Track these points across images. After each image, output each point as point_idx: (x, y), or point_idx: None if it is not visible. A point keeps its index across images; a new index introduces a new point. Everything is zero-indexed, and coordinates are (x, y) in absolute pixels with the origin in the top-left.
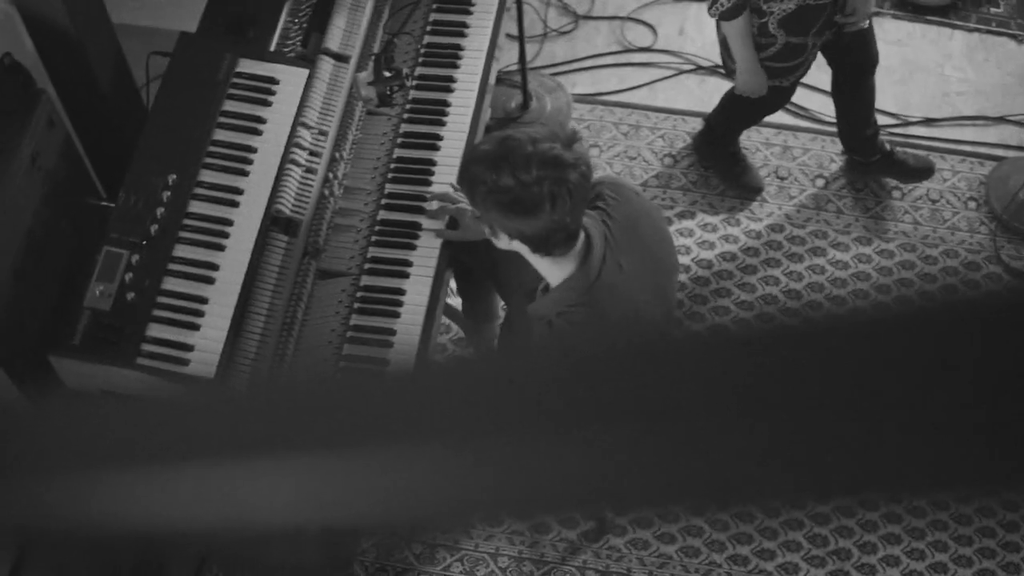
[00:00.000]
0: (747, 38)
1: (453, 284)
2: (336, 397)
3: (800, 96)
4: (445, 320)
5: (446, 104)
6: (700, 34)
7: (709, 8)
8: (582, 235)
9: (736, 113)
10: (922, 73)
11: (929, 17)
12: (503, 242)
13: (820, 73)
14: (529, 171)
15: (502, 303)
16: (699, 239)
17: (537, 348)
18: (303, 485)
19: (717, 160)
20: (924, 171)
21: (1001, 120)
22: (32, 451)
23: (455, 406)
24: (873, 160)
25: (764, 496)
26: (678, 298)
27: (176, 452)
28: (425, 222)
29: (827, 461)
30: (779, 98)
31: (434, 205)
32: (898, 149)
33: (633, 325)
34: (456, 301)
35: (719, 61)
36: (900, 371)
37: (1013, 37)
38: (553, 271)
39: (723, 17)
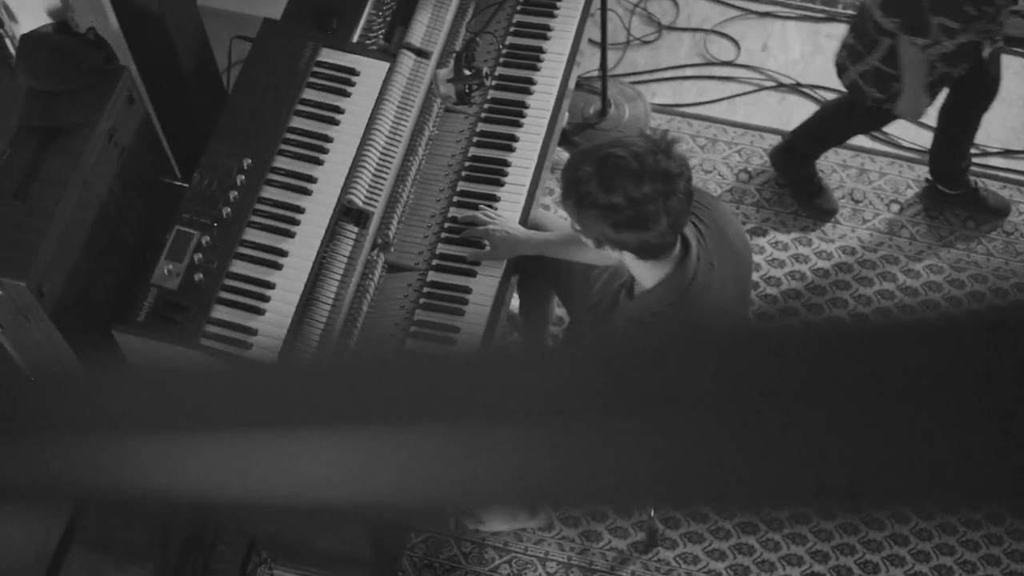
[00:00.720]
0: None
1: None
2: (399, 372)
3: None
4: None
5: (524, 106)
6: (783, 51)
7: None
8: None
9: (830, 130)
10: (1004, 104)
11: (1016, 49)
12: (610, 253)
13: None
14: (640, 187)
15: (559, 311)
16: (769, 256)
17: (617, 336)
18: (358, 462)
19: (794, 179)
20: (1001, 211)
21: None
22: (89, 413)
23: (524, 386)
24: (957, 193)
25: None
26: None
27: (230, 421)
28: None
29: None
30: (879, 122)
31: (467, 231)
32: (981, 186)
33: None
34: (514, 303)
35: (800, 79)
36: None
37: None
38: (652, 272)
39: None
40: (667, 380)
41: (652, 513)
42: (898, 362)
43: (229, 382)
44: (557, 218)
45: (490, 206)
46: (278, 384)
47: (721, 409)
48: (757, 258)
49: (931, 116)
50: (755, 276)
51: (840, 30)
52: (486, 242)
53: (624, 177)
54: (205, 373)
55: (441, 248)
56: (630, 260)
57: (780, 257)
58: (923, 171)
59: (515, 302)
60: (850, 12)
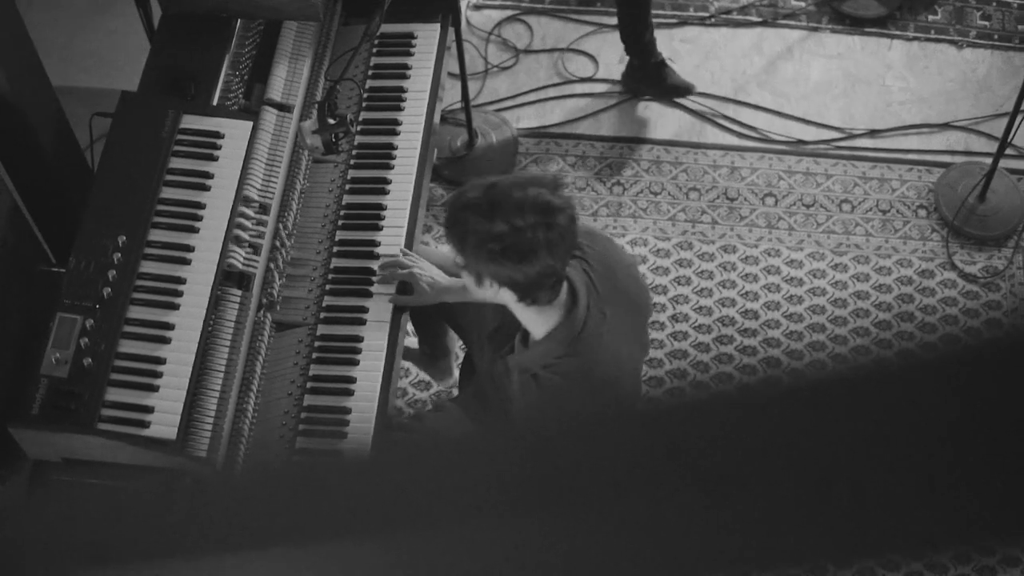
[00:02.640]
0: None
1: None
2: (299, 490)
3: (747, 115)
4: (405, 363)
5: (392, 147)
6: None
7: None
8: (565, 285)
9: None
10: (863, 85)
11: (867, 29)
12: (489, 292)
13: (763, 92)
14: (522, 217)
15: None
16: (652, 265)
17: (516, 426)
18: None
19: (649, 80)
20: (686, 88)
21: (946, 126)
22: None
23: (424, 490)
24: (652, 63)
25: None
26: None
27: (133, 552)
28: (376, 288)
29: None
30: None
31: (385, 272)
32: (669, 63)
33: (617, 383)
34: (412, 340)
35: None
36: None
37: (952, 43)
38: (538, 322)
39: None
40: (570, 472)
41: None
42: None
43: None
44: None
45: (370, 252)
46: (176, 511)
47: (631, 493)
48: (640, 268)
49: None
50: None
51: (694, 33)
52: (414, 288)
53: (507, 204)
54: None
55: (328, 300)
56: (513, 305)
57: (663, 264)
58: (793, 161)
59: (414, 341)
60: (701, 14)
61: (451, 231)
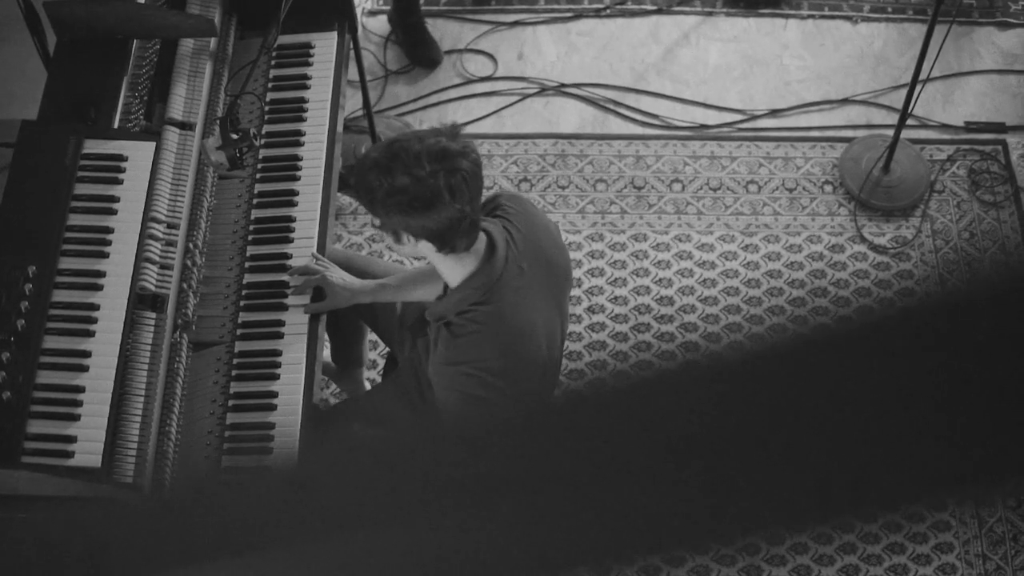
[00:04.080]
0: None
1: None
2: (228, 504)
3: (648, 104)
4: (325, 375)
5: (297, 159)
6: (539, 56)
7: None
8: (483, 236)
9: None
10: (761, 66)
11: (761, 11)
12: (408, 248)
13: (662, 79)
14: (421, 166)
15: (374, 351)
16: None
17: (439, 419)
18: None
19: (403, 25)
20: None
21: (845, 102)
22: None
23: (351, 495)
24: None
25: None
26: None
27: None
28: (291, 300)
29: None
30: None
31: (297, 280)
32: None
33: (528, 335)
34: (325, 353)
35: (561, 79)
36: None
37: (847, 19)
38: (456, 269)
39: None
40: (491, 462)
41: None
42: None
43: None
44: (380, 261)
45: (282, 265)
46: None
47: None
48: None
49: None
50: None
51: (590, 25)
52: (326, 292)
53: (406, 156)
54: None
55: (243, 316)
56: (431, 254)
57: (576, 257)
58: (697, 146)
59: (326, 352)
60: (596, 6)
61: (360, 192)
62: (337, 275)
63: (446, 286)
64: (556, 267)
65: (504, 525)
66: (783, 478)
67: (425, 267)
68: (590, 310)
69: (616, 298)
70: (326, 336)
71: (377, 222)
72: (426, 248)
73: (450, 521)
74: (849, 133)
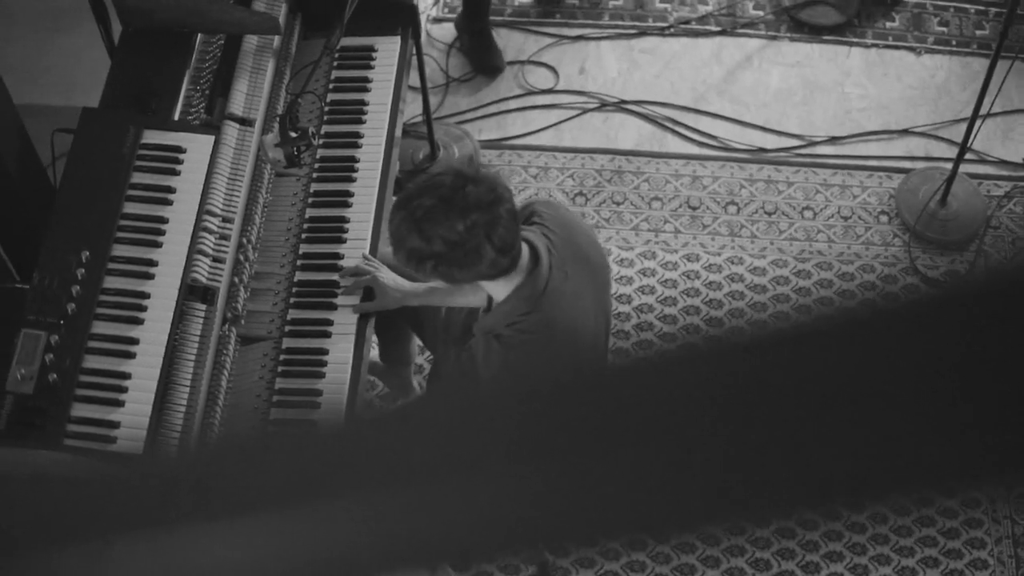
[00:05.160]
0: None
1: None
2: (272, 456)
3: (708, 124)
4: (371, 376)
5: (354, 160)
6: (600, 72)
7: None
8: (526, 248)
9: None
10: (822, 93)
11: (825, 37)
12: (467, 290)
13: (723, 101)
14: (456, 227)
15: (420, 351)
16: (616, 275)
17: (480, 381)
18: (257, 547)
19: (472, 35)
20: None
21: (905, 132)
22: None
23: (394, 453)
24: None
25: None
26: None
27: (110, 527)
28: (340, 300)
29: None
30: None
31: (348, 281)
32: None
33: (578, 337)
34: (374, 352)
35: (621, 96)
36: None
37: (911, 50)
38: (504, 285)
39: None
40: (533, 426)
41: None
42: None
43: (98, 488)
44: None
45: (334, 265)
46: (152, 483)
47: (592, 445)
48: None
49: None
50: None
51: (653, 43)
52: (376, 292)
53: (438, 222)
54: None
55: (292, 313)
56: (486, 284)
57: (627, 274)
58: (754, 170)
59: (374, 352)
60: (660, 25)
61: (399, 255)
62: (388, 276)
63: (491, 299)
64: (596, 265)
65: (543, 488)
66: (816, 458)
67: None
68: (639, 327)
69: (665, 316)
70: (374, 337)
71: (425, 278)
72: (481, 283)
73: (491, 481)
74: (907, 164)
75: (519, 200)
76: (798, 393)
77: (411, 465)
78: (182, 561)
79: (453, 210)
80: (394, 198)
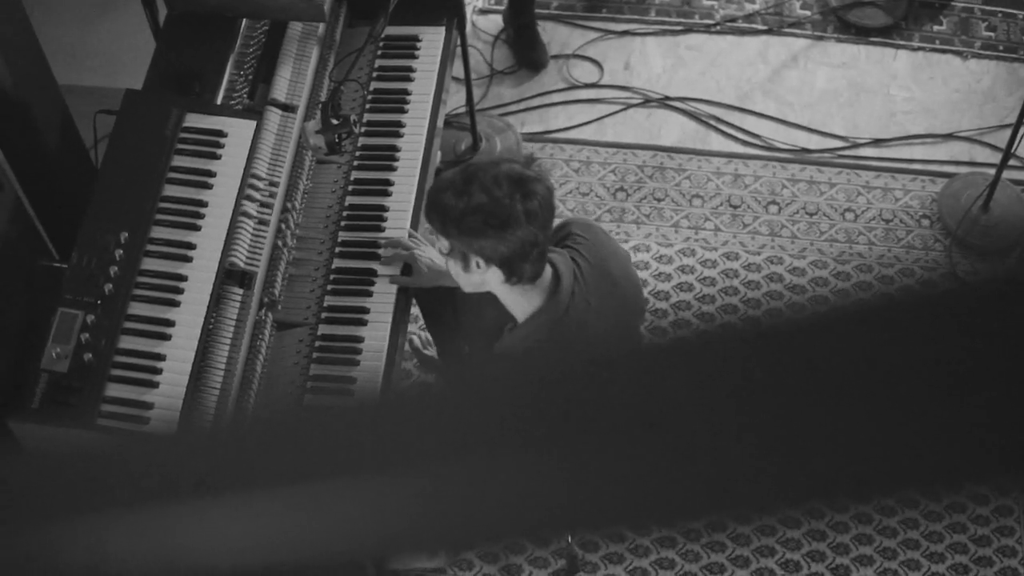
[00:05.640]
0: None
1: (427, 335)
2: (301, 429)
3: (751, 123)
4: (405, 366)
5: (395, 149)
6: (645, 67)
7: None
8: (549, 269)
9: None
10: (868, 95)
11: (872, 39)
12: (476, 276)
13: (767, 100)
14: (500, 186)
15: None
16: (655, 272)
17: (504, 367)
18: (273, 523)
19: (517, 29)
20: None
21: (950, 137)
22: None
23: (425, 430)
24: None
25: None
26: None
27: (142, 494)
28: (380, 268)
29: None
30: None
31: (388, 252)
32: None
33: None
34: (432, 351)
35: (665, 92)
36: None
37: (957, 54)
38: (521, 304)
39: None
40: (563, 404)
41: (570, 539)
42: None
43: (128, 457)
44: None
45: (372, 253)
46: (183, 454)
47: (622, 427)
48: (643, 274)
49: None
50: (644, 292)
51: (699, 40)
52: (413, 269)
53: (483, 177)
54: (102, 451)
55: (329, 300)
56: (498, 287)
57: (666, 271)
58: (796, 170)
59: (433, 351)
60: (707, 22)
61: (432, 214)
62: (426, 255)
63: (514, 321)
64: (627, 299)
65: (571, 472)
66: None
67: None
68: (676, 325)
69: (703, 315)
70: (431, 340)
71: (446, 248)
72: (494, 278)
73: (515, 462)
74: (951, 169)
75: (560, 195)
76: (842, 374)
77: (433, 444)
78: (193, 535)
79: (500, 173)
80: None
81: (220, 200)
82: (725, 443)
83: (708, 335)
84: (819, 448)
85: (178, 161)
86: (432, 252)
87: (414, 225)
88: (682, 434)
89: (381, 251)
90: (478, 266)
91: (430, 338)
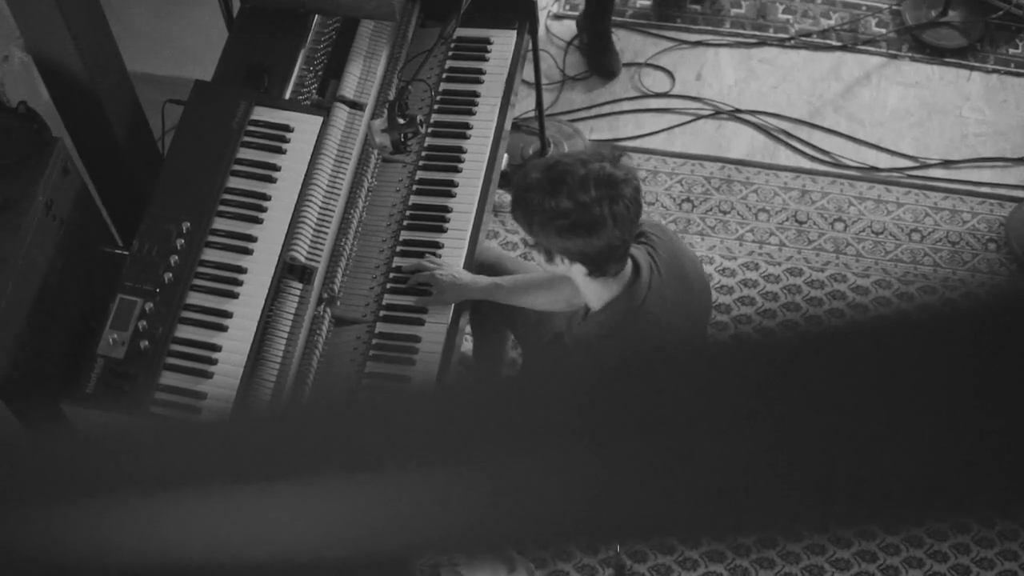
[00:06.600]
0: None
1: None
2: (360, 417)
3: (821, 139)
4: (461, 367)
5: (461, 151)
6: (717, 79)
7: None
8: (629, 261)
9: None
10: (940, 115)
11: (947, 59)
12: (561, 268)
13: (838, 116)
14: (587, 191)
15: (512, 353)
16: (717, 284)
17: (563, 363)
18: (326, 511)
19: (592, 32)
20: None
21: (1021, 161)
22: (38, 479)
23: (482, 424)
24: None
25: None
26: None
27: (190, 477)
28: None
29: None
30: None
31: (412, 281)
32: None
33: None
34: (467, 345)
35: (736, 105)
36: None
37: None
38: (600, 293)
39: None
40: (624, 406)
41: (619, 548)
42: (873, 363)
43: (180, 438)
44: (530, 264)
45: (434, 253)
46: (234, 439)
47: (683, 434)
48: None
49: None
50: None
51: (773, 54)
52: (433, 288)
53: (571, 180)
54: (151, 433)
55: (388, 299)
56: (580, 277)
57: (728, 283)
58: (864, 188)
59: (468, 345)
60: (781, 36)
61: (518, 212)
62: (447, 272)
63: (587, 308)
64: (699, 297)
65: (649, 467)
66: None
67: (544, 276)
68: (736, 339)
69: (762, 332)
70: (468, 331)
71: (532, 240)
72: (578, 271)
73: (587, 459)
74: (1020, 193)
75: None
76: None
77: (495, 436)
78: (239, 523)
79: (589, 174)
80: (500, 191)
81: (283, 194)
82: (785, 457)
83: (776, 338)
84: (886, 468)
85: (243, 154)
86: (453, 269)
87: (476, 227)
88: (743, 445)
89: (407, 283)
90: (562, 261)
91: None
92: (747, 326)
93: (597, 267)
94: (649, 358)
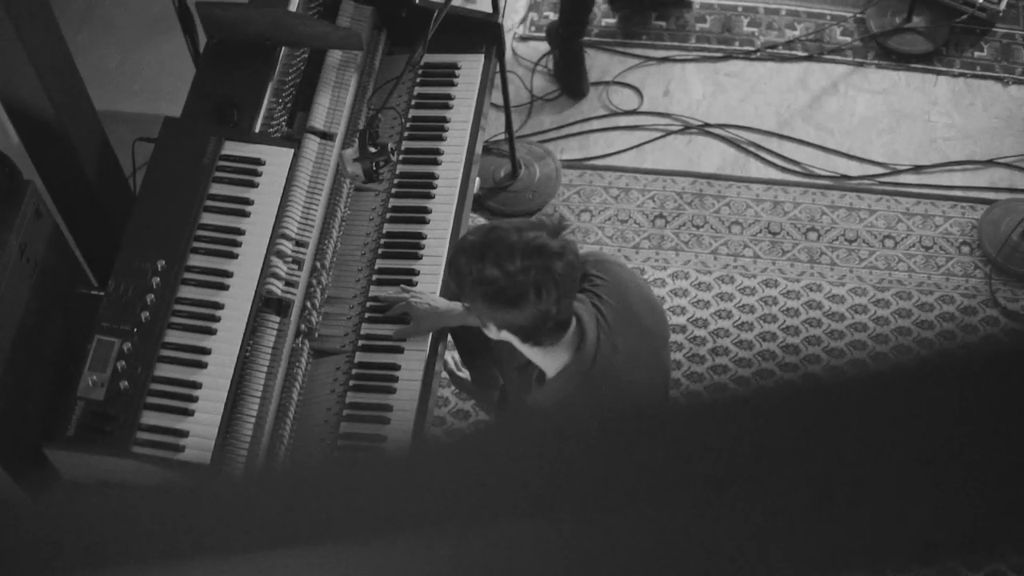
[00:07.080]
0: None
1: (459, 358)
2: (335, 486)
3: (791, 150)
4: (442, 393)
5: (433, 177)
6: (685, 94)
7: None
8: (573, 322)
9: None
10: (908, 121)
11: (913, 65)
12: (492, 332)
13: (807, 126)
14: (513, 261)
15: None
16: (694, 299)
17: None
18: None
19: (564, 51)
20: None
21: (990, 163)
22: (29, 550)
23: (455, 490)
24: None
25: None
26: (674, 359)
27: (175, 548)
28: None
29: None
30: None
31: (391, 312)
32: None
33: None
34: (465, 373)
35: (705, 119)
36: (908, 423)
37: (998, 80)
38: (547, 361)
39: None
40: (583, 478)
41: None
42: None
43: (164, 507)
44: None
45: (409, 281)
46: (219, 507)
47: (637, 496)
48: (682, 301)
49: None
50: (682, 319)
51: (739, 67)
52: (410, 317)
53: (500, 247)
54: (137, 499)
55: (366, 328)
56: (518, 344)
57: (704, 298)
58: (836, 196)
59: (467, 374)
60: (747, 48)
61: (450, 270)
62: (423, 300)
63: (543, 373)
64: (650, 329)
65: (605, 535)
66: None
67: None
68: (714, 352)
69: (741, 342)
70: (448, 355)
71: (466, 303)
72: (510, 338)
73: (546, 526)
74: (991, 195)
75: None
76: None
77: (453, 507)
78: None
79: (519, 244)
80: (473, 215)
81: (257, 228)
82: (737, 520)
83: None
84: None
85: (216, 189)
86: (428, 296)
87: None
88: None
89: (385, 314)
90: (494, 329)
91: (459, 361)
92: (724, 340)
93: (529, 337)
94: (606, 428)
